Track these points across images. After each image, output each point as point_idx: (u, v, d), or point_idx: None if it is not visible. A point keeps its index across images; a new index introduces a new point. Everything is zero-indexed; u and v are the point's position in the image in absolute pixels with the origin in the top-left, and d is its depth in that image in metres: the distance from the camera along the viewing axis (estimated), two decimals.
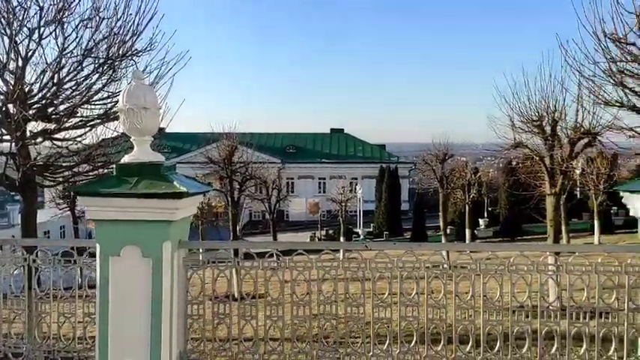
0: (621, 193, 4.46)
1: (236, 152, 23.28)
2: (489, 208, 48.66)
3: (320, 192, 60.43)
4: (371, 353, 4.29)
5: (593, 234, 29.64)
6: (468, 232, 31.23)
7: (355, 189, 50.75)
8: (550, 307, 4.20)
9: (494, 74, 21.12)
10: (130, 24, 7.63)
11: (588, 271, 4.12)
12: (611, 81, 7.61)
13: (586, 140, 13.40)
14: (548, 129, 14.05)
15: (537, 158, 14.51)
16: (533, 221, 31.05)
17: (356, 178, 60.49)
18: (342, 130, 72.11)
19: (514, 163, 34.10)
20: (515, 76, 14.81)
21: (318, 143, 68.22)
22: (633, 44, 7.30)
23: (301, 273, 4.28)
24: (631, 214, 4.46)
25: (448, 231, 30.22)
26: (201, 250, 5.39)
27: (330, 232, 47.45)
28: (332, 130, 71.43)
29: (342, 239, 40.09)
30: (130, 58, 7.86)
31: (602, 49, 7.45)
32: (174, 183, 4.06)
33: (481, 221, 46.34)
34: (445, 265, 4.53)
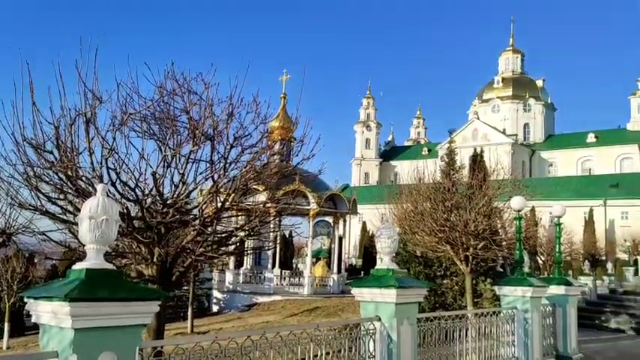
0: (26, 299, 4.43)
1: None
2: None
3: None
4: None
5: (2, 338, 27.94)
6: None
7: None
8: None
9: None
10: None
11: None
12: (28, 185, 7.75)
13: (0, 240, 12.91)
14: None
15: None
16: None
17: None
18: None
19: None
20: None
21: None
22: (51, 152, 7.73)
23: None
24: (33, 320, 4.47)
25: None
26: None
27: None
28: None
29: None
30: None
31: (21, 153, 7.56)
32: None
33: None
34: None
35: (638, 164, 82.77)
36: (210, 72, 8.47)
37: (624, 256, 52.60)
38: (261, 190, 11.74)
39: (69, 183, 7.64)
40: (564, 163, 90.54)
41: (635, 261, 43.50)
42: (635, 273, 37.74)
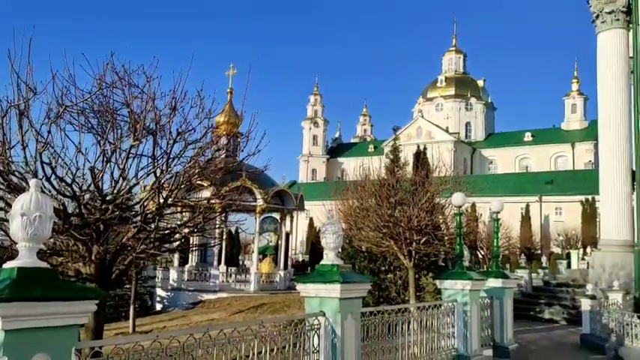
0: None
1: None
2: None
3: None
4: None
5: None
6: None
7: None
8: None
9: None
10: None
11: None
12: None
13: None
14: None
15: None
16: None
17: None
18: None
19: None
20: None
21: None
22: None
23: None
24: None
25: None
26: None
27: None
28: None
29: None
30: None
31: None
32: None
33: None
34: None
35: (571, 162, 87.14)
36: (153, 64, 8.27)
37: (558, 250, 55.28)
38: (205, 185, 11.57)
39: (0, 178, 7.27)
40: (503, 160, 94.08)
41: (568, 254, 45.77)
42: (568, 266, 39.70)
